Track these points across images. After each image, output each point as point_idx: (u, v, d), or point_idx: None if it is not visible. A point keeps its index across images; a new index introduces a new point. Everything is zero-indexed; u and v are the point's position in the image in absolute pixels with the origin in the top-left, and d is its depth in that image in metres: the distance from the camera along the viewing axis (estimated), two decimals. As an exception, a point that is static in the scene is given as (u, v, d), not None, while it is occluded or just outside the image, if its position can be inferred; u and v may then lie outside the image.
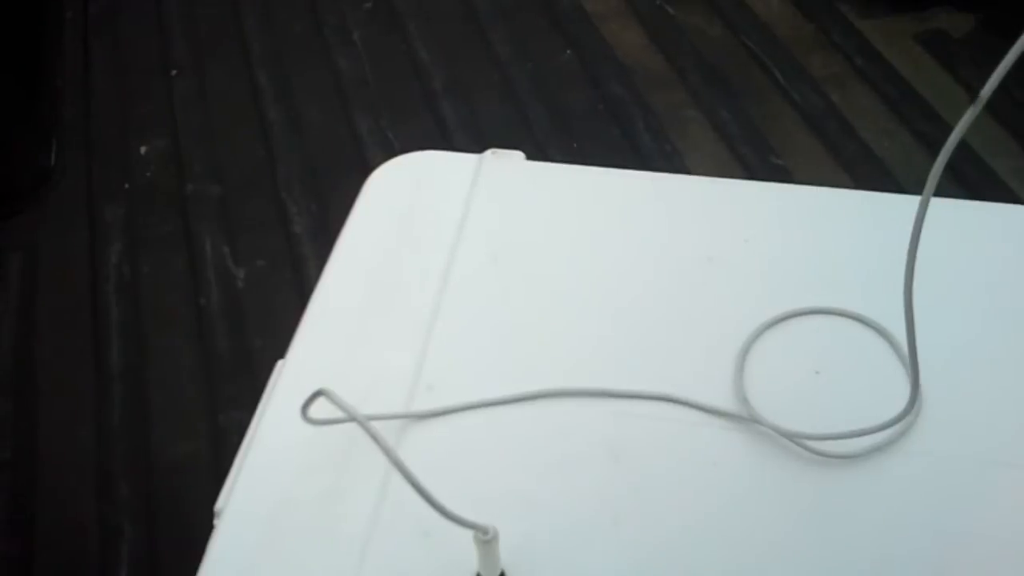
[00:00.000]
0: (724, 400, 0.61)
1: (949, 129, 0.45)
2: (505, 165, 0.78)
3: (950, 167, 0.45)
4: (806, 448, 0.58)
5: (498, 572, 0.53)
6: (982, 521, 0.55)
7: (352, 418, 0.52)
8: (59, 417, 1.47)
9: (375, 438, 0.50)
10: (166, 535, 1.33)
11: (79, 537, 1.34)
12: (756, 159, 1.79)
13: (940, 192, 0.59)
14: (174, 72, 2.06)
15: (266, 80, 2.02)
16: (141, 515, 1.35)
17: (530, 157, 0.79)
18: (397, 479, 0.50)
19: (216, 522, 0.58)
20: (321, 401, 0.54)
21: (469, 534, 0.51)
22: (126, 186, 1.82)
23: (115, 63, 2.10)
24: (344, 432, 0.55)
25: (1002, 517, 0.55)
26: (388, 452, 0.49)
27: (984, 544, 0.54)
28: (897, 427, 0.58)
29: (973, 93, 0.42)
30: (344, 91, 1.98)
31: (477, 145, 0.80)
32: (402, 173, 0.79)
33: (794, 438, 0.58)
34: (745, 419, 0.60)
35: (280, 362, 0.66)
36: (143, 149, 1.89)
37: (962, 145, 0.44)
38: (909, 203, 0.48)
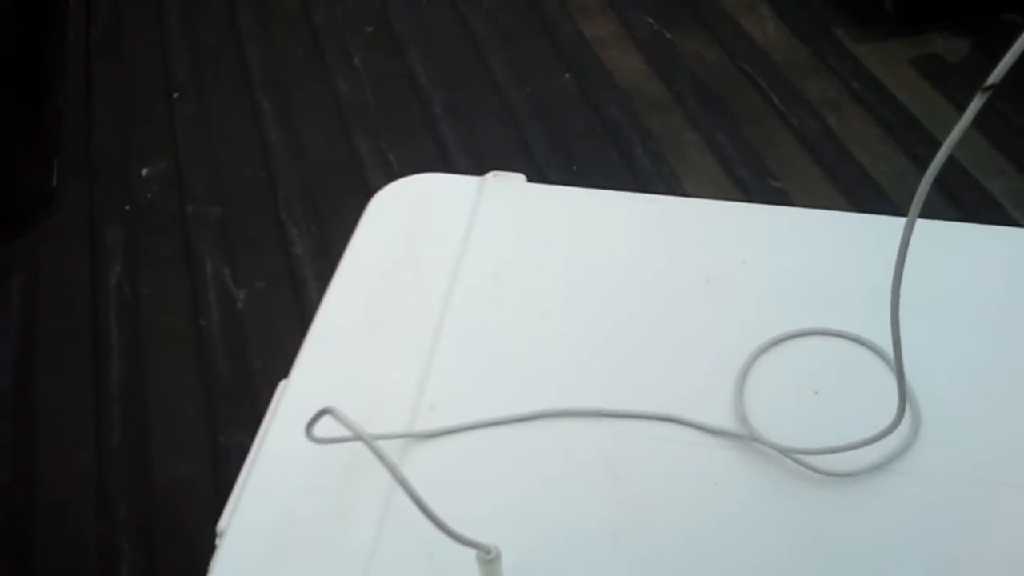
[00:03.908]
0: (724, 420, 0.61)
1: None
2: (506, 187, 0.79)
3: (946, 189, 0.46)
4: (803, 464, 0.58)
5: (500, 591, 0.53)
6: (978, 539, 0.55)
7: (358, 437, 0.52)
8: (59, 438, 1.47)
9: (381, 457, 0.50)
10: (166, 556, 1.32)
11: (78, 558, 1.33)
12: (754, 182, 1.80)
13: (935, 213, 0.60)
14: (176, 95, 2.07)
15: (267, 103, 2.04)
16: (141, 536, 1.35)
17: (530, 180, 0.80)
18: (399, 499, 0.51)
19: (218, 542, 0.58)
20: (324, 420, 0.54)
21: (471, 554, 0.52)
22: (127, 208, 1.83)
23: (117, 86, 2.11)
24: (347, 451, 0.56)
25: (998, 535, 0.56)
26: (394, 471, 0.50)
27: (980, 562, 0.55)
28: (895, 446, 0.59)
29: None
30: (345, 114, 1.99)
31: (477, 167, 0.81)
32: (405, 195, 0.80)
33: (790, 453, 0.58)
34: (745, 438, 0.60)
35: (283, 382, 0.66)
36: (144, 171, 1.90)
37: (957, 166, 0.45)
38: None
